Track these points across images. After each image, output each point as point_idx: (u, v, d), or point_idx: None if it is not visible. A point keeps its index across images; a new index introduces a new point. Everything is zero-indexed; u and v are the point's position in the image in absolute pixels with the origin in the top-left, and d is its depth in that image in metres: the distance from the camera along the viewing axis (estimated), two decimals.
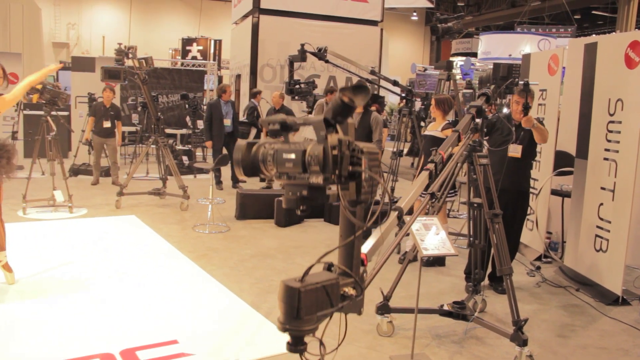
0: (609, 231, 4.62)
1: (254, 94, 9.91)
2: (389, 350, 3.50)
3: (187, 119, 11.97)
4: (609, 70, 4.77)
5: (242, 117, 9.82)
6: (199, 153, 12.18)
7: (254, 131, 9.51)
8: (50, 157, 6.70)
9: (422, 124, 8.57)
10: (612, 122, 4.67)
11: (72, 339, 3.45)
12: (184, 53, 18.78)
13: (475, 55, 19.80)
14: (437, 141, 4.79)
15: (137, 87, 11.10)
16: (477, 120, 3.49)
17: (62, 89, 7.85)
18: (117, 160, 9.02)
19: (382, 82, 8.32)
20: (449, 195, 4.54)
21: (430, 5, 20.73)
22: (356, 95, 1.12)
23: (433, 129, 5.37)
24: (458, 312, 3.75)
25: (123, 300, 4.15)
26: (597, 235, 4.77)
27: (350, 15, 12.34)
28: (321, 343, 1.19)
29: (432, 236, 3.27)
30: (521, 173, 4.65)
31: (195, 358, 3.28)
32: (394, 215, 2.11)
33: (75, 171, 9.53)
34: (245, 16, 12.72)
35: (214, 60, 18.24)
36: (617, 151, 4.59)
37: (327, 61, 7.33)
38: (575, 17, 21.92)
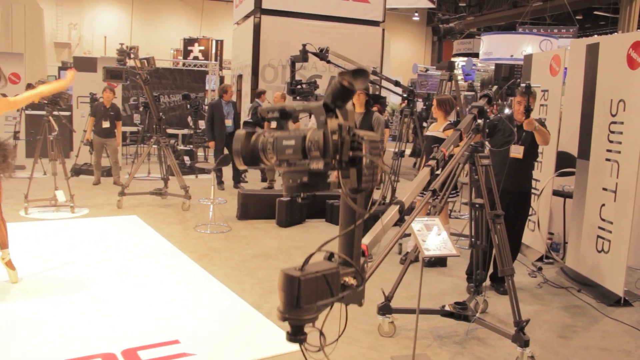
0: (610, 232, 4.62)
1: (258, 94, 9.90)
2: (391, 350, 3.50)
3: (189, 119, 11.99)
4: (611, 70, 4.76)
5: (246, 117, 9.82)
6: (200, 153, 12.18)
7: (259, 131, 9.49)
8: (52, 157, 6.72)
9: (425, 124, 8.57)
10: (614, 122, 4.66)
11: (73, 339, 3.45)
12: (186, 53, 18.79)
13: (476, 55, 19.76)
14: (438, 142, 4.79)
15: (138, 87, 11.11)
16: (479, 120, 3.49)
17: (69, 89, 7.86)
18: (118, 160, 9.03)
19: (384, 83, 8.31)
20: (450, 196, 4.53)
21: (432, 5, 20.70)
22: (356, 79, 1.10)
23: (435, 130, 5.36)
24: (459, 312, 3.74)
25: (124, 300, 4.15)
26: (598, 236, 4.76)
27: (352, 16, 12.33)
28: (321, 333, 1.17)
29: (434, 237, 3.27)
30: (523, 174, 4.64)
31: (196, 358, 3.28)
32: (395, 208, 2.11)
33: (77, 171, 9.54)
34: (247, 16, 12.71)
35: (216, 60, 18.23)
36: (619, 152, 4.59)
37: (328, 61, 7.32)
38: (577, 17, 21.91)
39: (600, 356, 3.65)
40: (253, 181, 9.53)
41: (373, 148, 1.10)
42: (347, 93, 1.11)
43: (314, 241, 6.02)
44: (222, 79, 17.66)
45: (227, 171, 9.07)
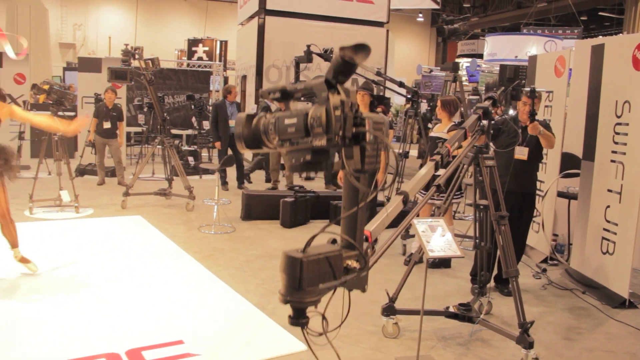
0: (615, 233, 4.60)
1: None
2: (395, 351, 3.50)
3: (193, 119, 12.02)
4: (616, 71, 4.75)
5: None
6: (204, 154, 12.21)
7: None
8: (57, 157, 6.75)
9: (429, 125, 8.56)
10: (619, 124, 4.65)
11: (78, 339, 3.46)
12: (190, 54, 18.85)
13: (481, 56, 19.75)
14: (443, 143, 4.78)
15: (143, 88, 11.13)
16: (484, 121, 3.49)
17: (75, 90, 7.88)
18: (122, 160, 9.05)
19: (388, 84, 8.30)
20: (455, 197, 4.53)
21: (436, 6, 20.66)
22: (357, 53, 1.07)
23: (439, 131, 5.36)
24: (464, 314, 3.74)
25: (129, 301, 4.16)
26: (603, 238, 4.74)
27: (356, 17, 12.33)
28: (324, 318, 1.14)
29: (438, 238, 3.26)
30: (527, 175, 4.63)
31: (200, 358, 3.29)
32: (399, 198, 2.10)
33: (82, 171, 9.57)
34: (251, 17, 12.73)
35: (220, 61, 18.27)
36: (624, 153, 4.57)
37: None
38: (582, 18, 21.84)
39: (605, 358, 3.63)
40: (257, 182, 9.54)
41: (377, 127, 1.07)
42: (348, 67, 1.08)
43: (317, 242, 6.01)
44: (226, 80, 17.69)
45: (232, 172, 9.08)
